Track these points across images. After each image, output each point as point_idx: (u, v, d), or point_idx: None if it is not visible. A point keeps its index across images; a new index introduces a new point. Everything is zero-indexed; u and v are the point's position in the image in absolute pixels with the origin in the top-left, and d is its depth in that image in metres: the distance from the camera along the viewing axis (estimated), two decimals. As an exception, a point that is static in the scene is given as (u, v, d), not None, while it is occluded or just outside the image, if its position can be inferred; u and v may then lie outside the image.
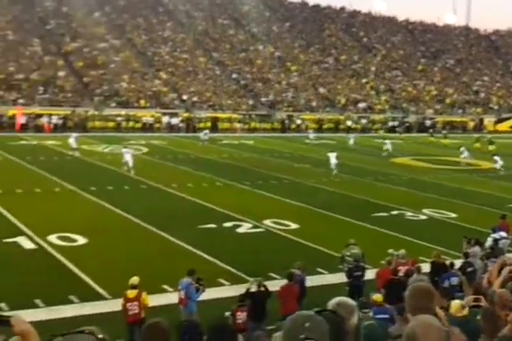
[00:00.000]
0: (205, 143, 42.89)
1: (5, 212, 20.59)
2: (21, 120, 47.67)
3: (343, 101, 66.93)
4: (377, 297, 10.37)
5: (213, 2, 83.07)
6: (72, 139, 35.86)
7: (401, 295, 4.29)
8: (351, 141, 45.85)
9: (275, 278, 14.50)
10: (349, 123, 60.77)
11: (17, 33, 60.47)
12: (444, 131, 58.73)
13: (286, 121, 59.01)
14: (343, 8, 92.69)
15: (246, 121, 57.75)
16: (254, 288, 11.79)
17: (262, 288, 11.83)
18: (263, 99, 63.81)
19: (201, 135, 43.71)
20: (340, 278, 14.33)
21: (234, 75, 67.67)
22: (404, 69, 79.43)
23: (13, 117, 48.23)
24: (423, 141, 52.82)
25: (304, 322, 2.82)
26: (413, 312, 3.57)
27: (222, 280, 14.86)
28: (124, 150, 31.38)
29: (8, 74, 53.70)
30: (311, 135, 48.75)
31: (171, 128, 53.55)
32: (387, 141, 41.78)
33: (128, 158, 30.31)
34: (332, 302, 3.48)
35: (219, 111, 59.05)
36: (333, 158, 32.33)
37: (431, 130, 58.06)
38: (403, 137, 55.10)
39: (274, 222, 21.01)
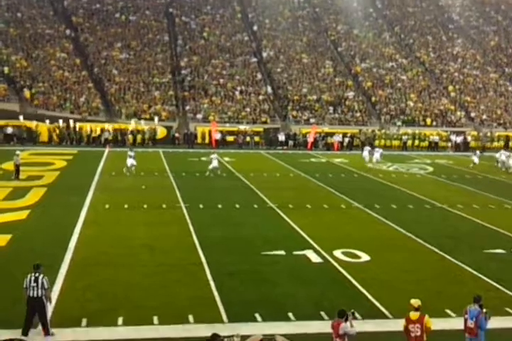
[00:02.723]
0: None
1: (295, 226, 21.98)
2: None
3: None
4: None
5: (507, 15, 79.22)
6: (366, 152, 41.28)
7: None
8: None
9: None
10: None
11: (311, 56, 64.11)
12: None
13: None
14: None
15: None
16: None
17: None
18: (560, 116, 59.13)
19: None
20: None
21: (528, 91, 63.82)
22: None
23: (305, 136, 51.21)
24: None
25: None
26: None
27: (508, 310, 14.15)
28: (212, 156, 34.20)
29: (301, 95, 57.17)
30: None
31: (457, 147, 52.20)
32: None
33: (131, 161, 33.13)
34: None
35: (510, 129, 56.17)
36: None
37: None
38: None
39: None
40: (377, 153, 41.47)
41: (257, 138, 50.70)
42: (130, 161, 33.30)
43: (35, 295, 12.03)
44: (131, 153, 34.17)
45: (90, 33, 61.61)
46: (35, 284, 12.07)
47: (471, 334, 11.31)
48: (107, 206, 24.66)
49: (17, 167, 30.40)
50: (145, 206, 24.77)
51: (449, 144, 52.79)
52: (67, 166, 35.60)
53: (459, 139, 52.74)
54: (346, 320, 10.83)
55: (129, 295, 14.50)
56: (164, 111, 52.12)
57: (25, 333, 11.95)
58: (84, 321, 12.88)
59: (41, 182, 29.48)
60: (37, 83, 52.43)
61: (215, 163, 33.62)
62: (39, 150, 42.19)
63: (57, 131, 47.66)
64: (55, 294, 14.15)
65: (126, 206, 24.70)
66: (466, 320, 11.43)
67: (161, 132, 50.05)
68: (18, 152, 31.58)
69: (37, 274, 12.19)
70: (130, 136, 48.42)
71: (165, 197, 26.87)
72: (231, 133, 50.76)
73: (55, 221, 22.01)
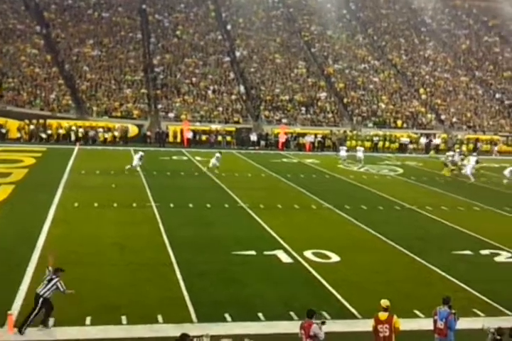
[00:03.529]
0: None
1: (266, 226, 21.97)
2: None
3: None
4: None
5: (478, 19, 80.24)
6: (343, 152, 41.90)
7: None
8: None
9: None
10: None
11: (284, 57, 64.21)
12: None
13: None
14: None
15: (509, 143, 54.87)
16: None
17: None
18: (529, 120, 60.06)
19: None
20: None
21: (497, 95, 64.68)
22: None
23: (277, 136, 51.27)
24: None
25: None
26: None
27: (476, 311, 14.31)
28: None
29: (274, 95, 57.22)
30: None
31: (427, 149, 52.73)
32: None
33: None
34: None
35: (479, 132, 56.96)
36: None
37: None
38: None
39: (537, 253, 19.67)
40: (360, 152, 41.89)
41: (229, 138, 50.67)
42: (136, 161, 33.44)
43: (37, 291, 12.44)
44: (142, 154, 34.17)
45: (62, 29, 60.94)
46: (46, 282, 12.48)
47: (441, 334, 11.41)
48: (76, 204, 24.39)
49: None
50: (115, 205, 24.55)
51: (411, 146, 52.81)
52: (36, 163, 35.16)
53: (434, 141, 53.27)
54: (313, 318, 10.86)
55: (97, 295, 14.35)
56: (136, 110, 51.76)
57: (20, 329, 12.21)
58: (51, 320, 12.70)
59: (9, 180, 29.06)
60: (6, 79, 51.71)
61: (214, 161, 34.35)
62: (8, 147, 41.58)
63: (26, 128, 47.05)
64: (22, 293, 13.99)
65: (95, 204, 24.46)
66: (435, 321, 11.51)
67: (133, 130, 49.72)
68: None
69: (54, 276, 12.55)
70: (101, 134, 48.03)
71: (135, 196, 26.66)
72: (203, 132, 50.61)
73: (23, 219, 21.71)
